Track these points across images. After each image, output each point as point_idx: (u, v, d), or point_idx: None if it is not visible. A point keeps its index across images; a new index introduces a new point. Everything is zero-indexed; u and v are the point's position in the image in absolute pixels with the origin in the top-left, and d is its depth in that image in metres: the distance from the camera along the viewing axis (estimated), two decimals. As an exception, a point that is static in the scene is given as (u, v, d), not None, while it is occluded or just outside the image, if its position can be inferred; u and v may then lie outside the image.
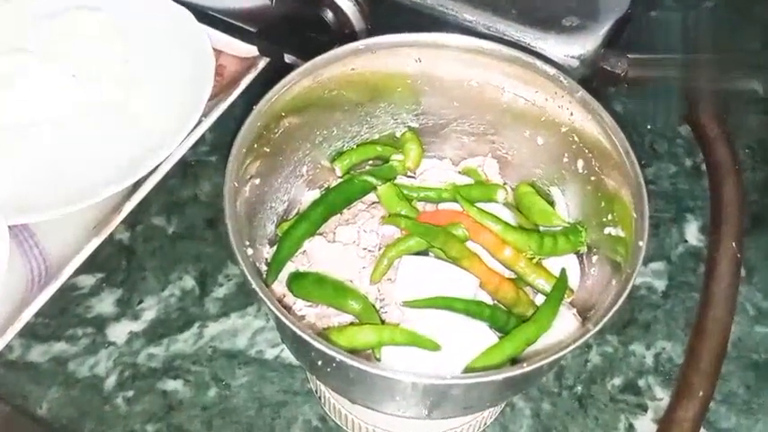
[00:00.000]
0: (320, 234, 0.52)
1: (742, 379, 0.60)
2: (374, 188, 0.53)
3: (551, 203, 0.53)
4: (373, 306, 0.48)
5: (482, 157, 0.56)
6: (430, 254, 0.50)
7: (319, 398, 0.57)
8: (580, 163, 0.50)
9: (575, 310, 0.49)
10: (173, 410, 0.57)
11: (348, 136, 0.55)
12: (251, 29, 0.72)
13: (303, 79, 0.49)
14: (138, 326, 0.61)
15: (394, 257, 0.49)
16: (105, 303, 0.62)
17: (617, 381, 0.60)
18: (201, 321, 0.61)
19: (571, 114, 0.49)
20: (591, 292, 0.49)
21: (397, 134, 0.56)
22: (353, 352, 0.43)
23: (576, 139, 0.50)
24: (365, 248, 0.51)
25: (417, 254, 0.50)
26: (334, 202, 0.52)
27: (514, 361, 0.46)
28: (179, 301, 0.62)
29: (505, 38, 0.58)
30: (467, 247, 0.49)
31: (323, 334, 0.46)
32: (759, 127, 0.74)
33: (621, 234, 0.47)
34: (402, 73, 0.52)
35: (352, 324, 0.48)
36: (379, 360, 0.47)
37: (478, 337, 0.47)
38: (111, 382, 0.58)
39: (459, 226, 0.50)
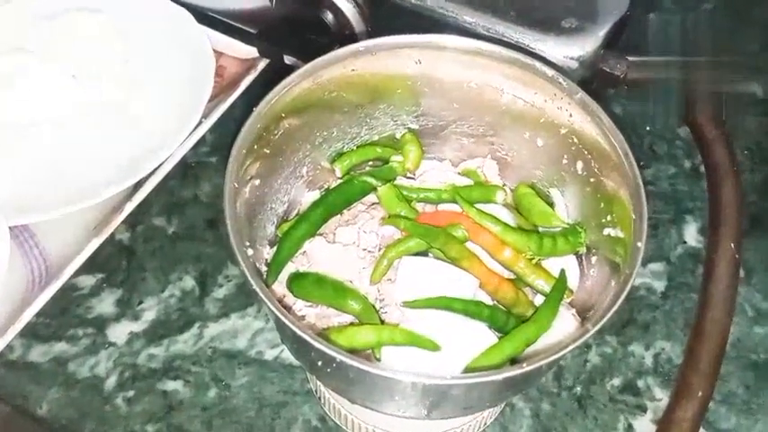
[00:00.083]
0: (320, 235, 0.52)
1: (741, 379, 0.60)
2: (374, 189, 0.53)
3: (551, 204, 0.53)
4: (373, 306, 0.48)
5: (481, 159, 0.56)
6: (429, 254, 0.51)
7: (319, 398, 0.57)
8: (579, 164, 0.50)
9: (574, 311, 0.49)
10: (173, 411, 0.57)
11: (348, 137, 0.55)
12: (251, 30, 0.72)
13: (303, 81, 0.49)
14: (138, 326, 0.61)
15: (394, 258, 0.50)
16: (106, 304, 0.62)
17: (616, 381, 0.60)
18: (201, 322, 0.61)
19: (570, 116, 0.49)
20: (590, 293, 0.49)
21: (397, 135, 0.56)
22: (353, 352, 0.43)
23: (575, 140, 0.50)
24: (365, 249, 0.51)
25: (417, 254, 0.50)
26: (334, 203, 0.53)
27: (514, 361, 0.46)
28: (179, 301, 0.62)
29: (505, 39, 0.58)
30: (466, 248, 0.50)
31: (323, 334, 0.46)
32: (758, 129, 0.74)
33: (620, 235, 0.47)
34: (402, 74, 0.52)
35: (351, 324, 0.48)
36: (378, 360, 0.47)
37: (478, 338, 0.47)
38: (111, 382, 0.58)
39: (458, 227, 0.50)
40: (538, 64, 0.49)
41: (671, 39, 0.71)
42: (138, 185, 0.65)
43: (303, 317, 0.49)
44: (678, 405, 0.57)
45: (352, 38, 0.65)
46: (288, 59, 0.68)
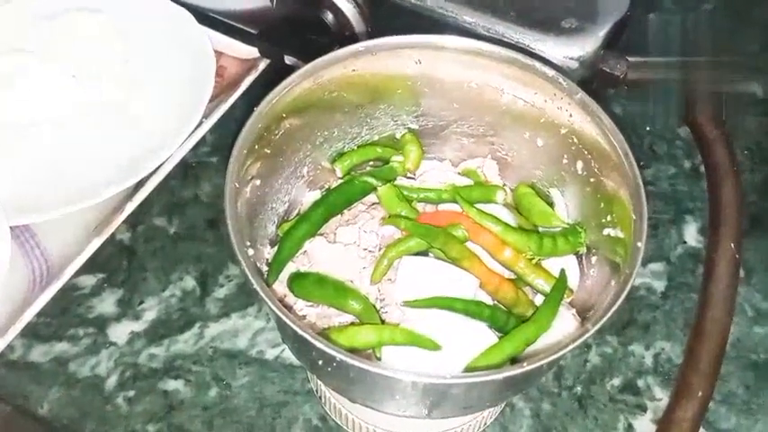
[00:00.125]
0: (321, 235, 0.52)
1: (741, 379, 0.60)
2: (374, 189, 0.53)
3: (551, 204, 0.54)
4: (373, 306, 0.48)
5: (482, 159, 0.56)
6: (430, 254, 0.51)
7: (320, 397, 0.57)
8: (579, 164, 0.51)
9: (574, 311, 0.49)
10: (173, 410, 0.57)
11: (348, 137, 0.55)
12: (252, 31, 0.72)
13: (304, 81, 0.49)
14: (139, 326, 0.61)
15: (394, 258, 0.50)
16: (106, 303, 0.62)
17: (616, 381, 0.60)
18: (202, 322, 0.61)
19: (570, 116, 0.49)
20: (590, 293, 0.49)
21: (397, 135, 0.56)
22: (354, 352, 0.43)
23: (575, 140, 0.50)
24: (365, 249, 0.51)
25: (417, 254, 0.50)
26: (334, 203, 0.53)
27: (514, 361, 0.46)
28: (180, 301, 0.62)
29: (505, 40, 0.58)
30: (467, 248, 0.50)
31: (323, 334, 0.46)
32: (758, 129, 0.75)
33: (620, 235, 0.47)
34: (402, 75, 0.52)
35: (352, 324, 0.48)
36: (379, 360, 0.47)
37: (478, 337, 0.47)
38: (111, 382, 0.58)
39: (458, 227, 0.50)
40: (538, 64, 0.49)
41: (671, 39, 0.71)
42: (138, 185, 0.65)
43: (304, 316, 0.49)
44: (678, 405, 0.57)
45: (353, 38, 0.65)
46: (288, 60, 0.68)
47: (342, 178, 0.55)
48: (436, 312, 0.47)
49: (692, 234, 0.68)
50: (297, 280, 0.49)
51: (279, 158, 0.51)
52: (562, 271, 0.50)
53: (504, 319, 0.48)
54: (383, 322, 0.48)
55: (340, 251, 0.50)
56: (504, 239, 0.50)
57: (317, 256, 0.51)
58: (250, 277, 0.41)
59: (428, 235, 0.49)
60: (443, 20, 0.60)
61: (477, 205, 0.51)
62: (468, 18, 0.59)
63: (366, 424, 0.53)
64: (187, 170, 0.69)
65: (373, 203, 0.54)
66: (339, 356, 0.39)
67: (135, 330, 0.61)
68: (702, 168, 0.71)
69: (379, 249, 0.51)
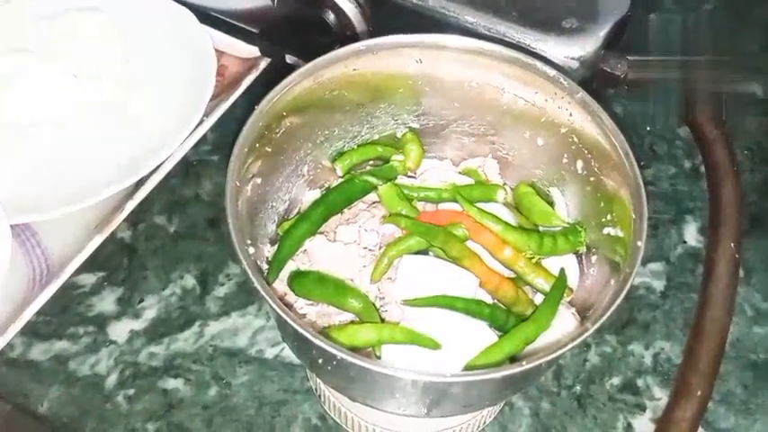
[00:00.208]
0: (321, 233, 0.52)
1: (740, 379, 0.60)
2: (375, 188, 0.53)
3: (551, 204, 0.54)
4: (373, 305, 0.49)
5: (482, 158, 0.56)
6: (430, 253, 0.51)
7: (319, 396, 0.57)
8: (579, 164, 0.51)
9: (574, 310, 0.49)
10: (173, 409, 0.57)
11: (349, 136, 0.55)
12: (253, 30, 0.72)
13: (304, 80, 0.49)
14: (138, 324, 0.61)
15: (394, 257, 0.50)
16: (106, 302, 0.62)
17: (616, 380, 0.60)
18: (202, 320, 0.61)
19: (571, 115, 0.50)
20: (590, 292, 0.50)
21: (398, 135, 0.56)
22: (354, 350, 0.43)
23: (575, 139, 0.50)
24: (366, 248, 0.51)
25: (417, 253, 0.50)
26: (334, 202, 0.53)
27: (513, 360, 0.46)
28: (180, 299, 0.62)
29: (506, 39, 0.58)
30: (467, 247, 0.50)
31: (323, 332, 0.46)
32: (758, 129, 0.75)
33: (620, 234, 0.47)
34: (403, 74, 0.52)
35: (352, 323, 0.48)
36: (379, 358, 0.47)
37: (478, 336, 0.47)
38: (111, 380, 0.58)
39: (459, 226, 0.50)
40: (539, 64, 0.50)
41: (671, 39, 0.71)
42: (139, 184, 0.65)
43: (304, 315, 0.49)
44: (677, 404, 0.57)
45: (354, 38, 0.65)
46: (289, 59, 0.68)
47: (342, 177, 0.55)
48: (436, 311, 0.47)
49: (691, 234, 0.68)
50: (297, 278, 0.49)
51: (279, 157, 0.51)
52: (562, 270, 0.50)
53: (503, 317, 0.48)
54: (383, 321, 0.48)
55: (340, 250, 0.51)
56: (505, 238, 0.50)
57: (317, 254, 0.51)
58: (251, 275, 0.41)
59: (428, 234, 0.49)
60: (445, 19, 0.60)
61: (478, 204, 0.51)
62: (470, 18, 0.60)
63: (365, 423, 0.53)
64: (188, 169, 0.69)
65: (374, 202, 0.54)
66: (339, 355, 0.39)
67: (135, 329, 0.61)
68: (702, 168, 0.71)
69: (380, 248, 0.51)
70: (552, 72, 0.49)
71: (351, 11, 0.65)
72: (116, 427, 0.56)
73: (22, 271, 0.62)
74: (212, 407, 0.58)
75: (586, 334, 0.41)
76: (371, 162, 0.56)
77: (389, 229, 0.52)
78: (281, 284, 0.50)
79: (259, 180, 0.49)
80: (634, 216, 0.44)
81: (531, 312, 0.49)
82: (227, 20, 0.75)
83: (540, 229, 0.53)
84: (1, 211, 0.60)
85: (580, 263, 0.52)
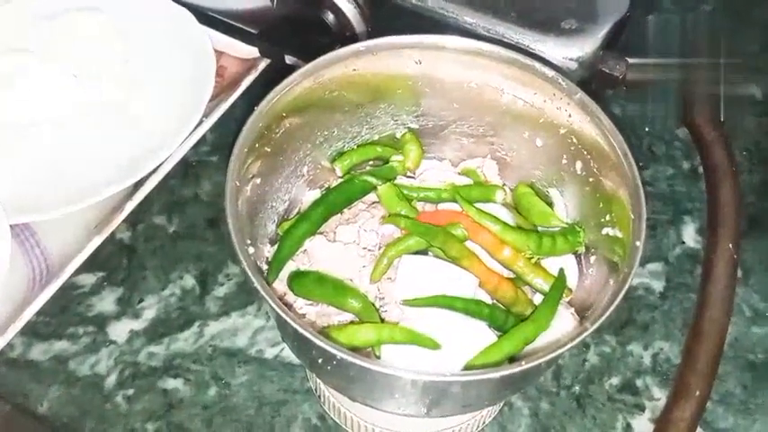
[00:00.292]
0: (321, 233, 0.52)
1: (739, 379, 0.60)
2: (374, 188, 0.53)
3: (550, 204, 0.54)
4: (373, 305, 0.49)
5: (481, 159, 0.56)
6: (429, 253, 0.51)
7: (319, 396, 0.57)
8: (578, 164, 0.51)
9: (573, 310, 0.49)
10: (173, 409, 0.57)
11: (348, 137, 0.55)
12: (252, 30, 0.72)
13: (304, 80, 0.49)
14: (138, 324, 0.61)
15: (394, 257, 0.50)
16: (106, 302, 0.62)
17: (615, 381, 0.60)
18: (202, 320, 0.61)
19: (569, 116, 0.50)
20: (589, 292, 0.50)
21: (398, 135, 0.56)
22: (353, 350, 0.43)
23: (574, 140, 0.50)
24: (365, 248, 0.51)
25: (417, 253, 0.50)
26: (334, 202, 0.53)
27: (513, 360, 0.46)
28: (179, 300, 0.62)
29: (505, 40, 0.58)
30: (466, 247, 0.50)
31: (323, 332, 0.46)
32: (756, 129, 0.75)
33: (619, 234, 0.47)
34: (402, 74, 0.52)
35: (352, 323, 0.48)
36: (378, 358, 0.47)
37: (477, 336, 0.47)
38: (111, 380, 0.58)
39: (458, 226, 0.50)
40: (537, 65, 0.50)
41: (670, 40, 0.71)
42: (138, 184, 0.65)
43: (303, 315, 0.49)
44: (676, 405, 0.57)
45: (353, 38, 0.65)
46: (289, 59, 0.68)
47: (342, 177, 0.55)
48: (435, 311, 0.47)
49: (690, 235, 0.68)
50: (297, 278, 0.49)
51: (279, 157, 0.51)
52: (561, 270, 0.50)
53: (503, 318, 0.48)
54: (383, 321, 0.48)
55: (340, 250, 0.51)
56: (504, 239, 0.50)
57: (316, 254, 0.51)
58: (250, 275, 0.41)
59: (428, 234, 0.50)
60: (444, 20, 0.60)
61: (477, 205, 0.51)
62: (469, 19, 0.60)
63: (365, 423, 0.54)
64: (187, 169, 0.69)
65: (373, 202, 0.54)
66: (339, 354, 0.39)
67: (134, 329, 0.61)
68: (701, 169, 0.71)
69: (379, 248, 0.51)
70: (551, 73, 0.49)
71: (350, 11, 0.65)
72: (116, 426, 0.56)
73: (22, 271, 0.62)
74: (212, 407, 0.58)
75: (585, 334, 0.41)
76: (371, 162, 0.56)
77: (389, 230, 0.52)
78: (280, 284, 0.50)
79: (259, 180, 0.49)
80: (633, 216, 0.45)
81: (530, 312, 0.49)
82: (227, 20, 0.75)
83: (539, 229, 0.53)
84: (1, 211, 0.60)
85: (579, 263, 0.52)
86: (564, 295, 0.50)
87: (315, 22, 0.66)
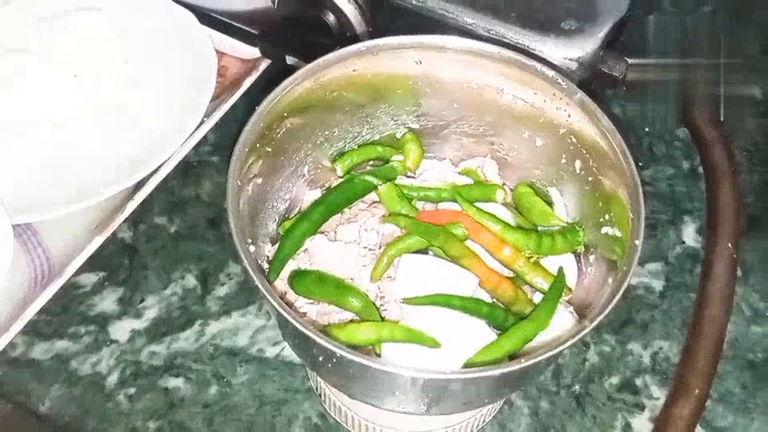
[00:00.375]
0: (321, 233, 0.52)
1: (738, 378, 0.60)
2: (375, 188, 0.53)
3: (549, 204, 0.54)
4: (373, 303, 0.49)
5: (481, 158, 0.57)
6: (430, 252, 0.51)
7: (319, 395, 0.57)
8: (578, 164, 0.51)
9: (572, 308, 0.50)
10: (174, 408, 0.58)
11: (349, 137, 0.55)
12: (253, 31, 0.72)
13: (305, 80, 0.49)
14: (140, 324, 0.61)
15: (394, 256, 0.50)
16: (107, 301, 0.62)
17: (614, 380, 0.60)
18: (203, 320, 0.62)
19: (569, 116, 0.50)
20: (588, 291, 0.50)
21: (398, 135, 0.56)
22: (354, 349, 0.44)
23: (574, 140, 0.50)
24: (366, 247, 0.51)
25: (417, 252, 0.50)
26: (335, 202, 0.53)
27: (513, 358, 0.46)
28: (181, 299, 0.63)
29: (505, 40, 0.59)
30: (466, 246, 0.50)
31: (324, 331, 0.46)
32: (756, 130, 0.75)
33: (618, 234, 0.47)
34: (403, 75, 0.52)
35: (352, 321, 0.48)
36: (379, 357, 0.47)
37: (477, 335, 0.47)
38: (113, 379, 0.59)
39: (458, 225, 0.50)
40: (537, 65, 0.50)
41: (670, 40, 0.71)
42: (139, 185, 0.65)
43: (304, 314, 0.50)
44: (675, 403, 0.58)
45: (354, 39, 0.65)
46: (290, 60, 0.68)
47: (342, 177, 0.55)
48: (435, 310, 0.47)
49: (690, 234, 0.68)
50: (297, 277, 0.50)
51: (280, 157, 0.51)
52: (560, 269, 0.51)
53: (502, 316, 0.48)
54: (383, 319, 0.49)
55: (340, 249, 0.51)
56: (504, 238, 0.50)
57: (317, 253, 0.51)
58: (252, 274, 0.41)
59: (428, 233, 0.50)
60: (444, 21, 0.60)
61: (477, 204, 0.51)
62: (469, 19, 0.60)
63: (365, 421, 0.54)
64: (188, 169, 0.69)
65: (374, 202, 0.54)
66: (339, 352, 0.39)
67: (136, 328, 0.61)
68: (701, 169, 0.71)
69: (380, 247, 0.51)
70: (551, 73, 0.49)
71: (351, 12, 0.65)
72: (117, 425, 0.57)
73: (24, 270, 0.62)
74: (213, 406, 0.58)
75: (584, 332, 0.41)
76: (371, 162, 0.56)
77: (389, 229, 0.52)
78: (281, 283, 0.50)
79: (260, 180, 0.49)
80: (632, 216, 0.45)
81: (529, 311, 0.49)
82: (228, 21, 0.75)
83: (539, 228, 0.53)
84: (3, 211, 0.61)
85: (578, 262, 0.52)
86: (563, 294, 0.50)
87: (316, 22, 0.66)
